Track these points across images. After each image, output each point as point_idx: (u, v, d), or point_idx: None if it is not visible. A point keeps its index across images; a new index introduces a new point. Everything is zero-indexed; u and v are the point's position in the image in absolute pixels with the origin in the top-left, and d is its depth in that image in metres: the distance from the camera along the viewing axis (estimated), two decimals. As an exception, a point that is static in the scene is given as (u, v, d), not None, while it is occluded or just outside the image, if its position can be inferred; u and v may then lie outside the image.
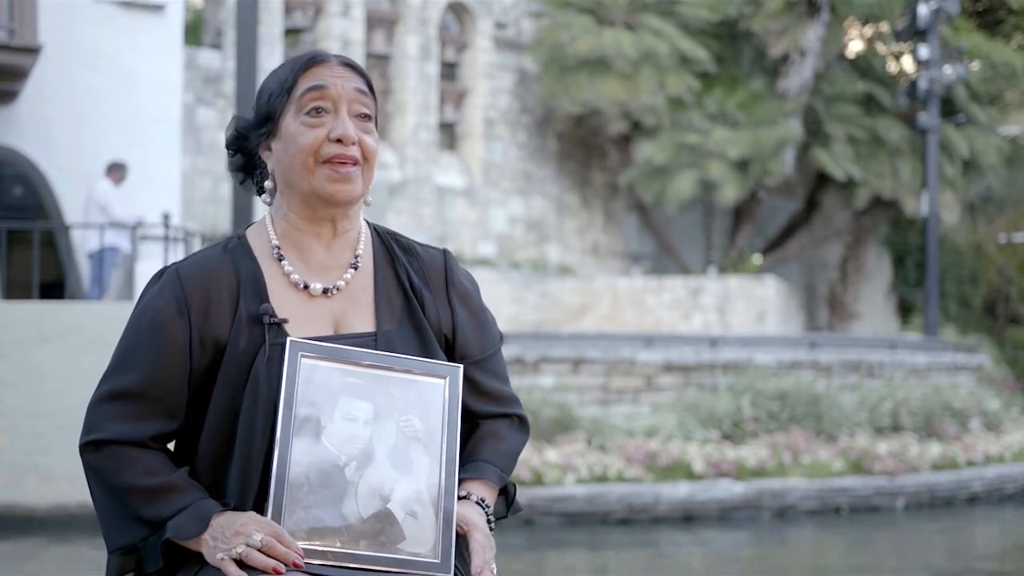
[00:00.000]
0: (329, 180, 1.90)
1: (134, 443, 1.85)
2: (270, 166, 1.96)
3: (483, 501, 1.94)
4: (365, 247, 2.01)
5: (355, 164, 1.91)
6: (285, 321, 1.89)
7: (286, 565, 1.73)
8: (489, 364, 2.07)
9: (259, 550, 1.73)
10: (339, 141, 1.89)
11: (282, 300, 1.92)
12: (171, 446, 1.94)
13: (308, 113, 1.90)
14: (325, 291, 1.95)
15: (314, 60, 1.94)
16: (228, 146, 2.01)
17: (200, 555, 1.80)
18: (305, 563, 1.76)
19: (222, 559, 1.74)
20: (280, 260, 1.94)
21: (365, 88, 1.95)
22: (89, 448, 1.87)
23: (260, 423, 1.84)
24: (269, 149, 1.96)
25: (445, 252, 2.09)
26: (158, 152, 13.87)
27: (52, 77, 13.11)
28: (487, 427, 2.04)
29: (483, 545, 1.87)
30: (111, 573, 1.88)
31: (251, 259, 1.94)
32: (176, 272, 1.92)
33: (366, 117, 1.94)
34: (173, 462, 1.89)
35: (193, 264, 1.93)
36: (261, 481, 1.83)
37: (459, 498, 1.91)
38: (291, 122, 1.91)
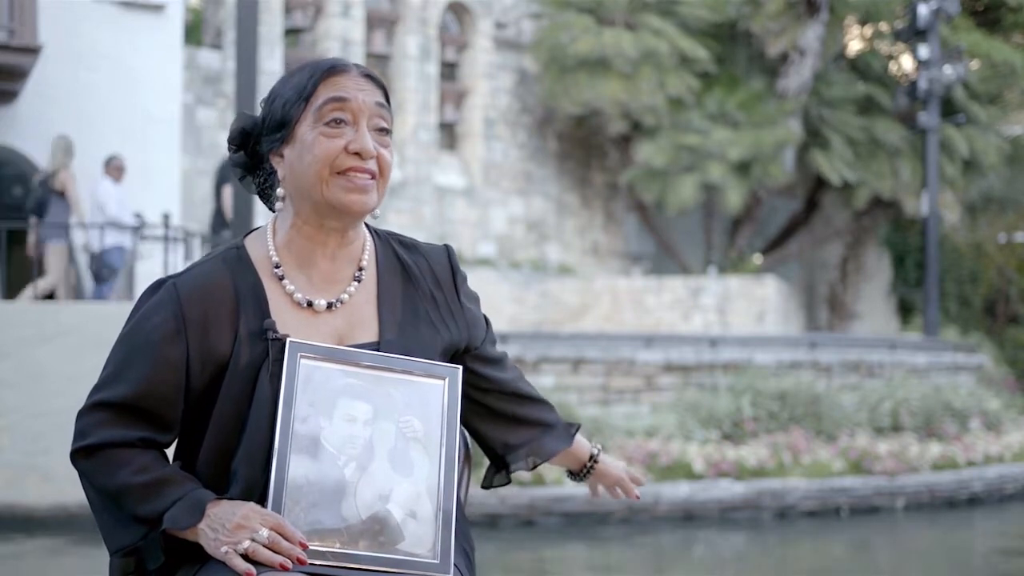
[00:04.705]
0: (344, 190, 1.87)
1: (124, 444, 1.84)
2: (280, 173, 1.93)
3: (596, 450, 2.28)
4: (369, 257, 1.99)
5: (372, 177, 1.89)
6: (288, 337, 1.87)
7: (292, 561, 1.72)
8: (492, 336, 2.16)
9: (265, 546, 1.72)
10: (358, 155, 1.87)
11: (284, 315, 1.90)
12: (169, 455, 1.93)
13: (327, 124, 1.87)
14: (329, 306, 1.93)
15: (334, 69, 1.90)
16: (231, 141, 1.98)
17: (201, 551, 1.79)
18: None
19: (227, 552, 1.73)
20: (281, 280, 1.91)
21: (384, 102, 1.92)
22: (80, 454, 1.85)
23: (264, 438, 1.82)
24: (281, 156, 1.92)
25: (447, 247, 2.09)
26: (158, 152, 13.87)
27: (52, 77, 13.11)
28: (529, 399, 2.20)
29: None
30: (114, 575, 1.88)
31: (251, 272, 1.91)
32: (174, 287, 1.88)
33: (384, 131, 1.91)
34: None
35: (192, 279, 1.89)
36: (262, 491, 1.82)
37: (595, 462, 2.26)
38: (308, 131, 1.88)
